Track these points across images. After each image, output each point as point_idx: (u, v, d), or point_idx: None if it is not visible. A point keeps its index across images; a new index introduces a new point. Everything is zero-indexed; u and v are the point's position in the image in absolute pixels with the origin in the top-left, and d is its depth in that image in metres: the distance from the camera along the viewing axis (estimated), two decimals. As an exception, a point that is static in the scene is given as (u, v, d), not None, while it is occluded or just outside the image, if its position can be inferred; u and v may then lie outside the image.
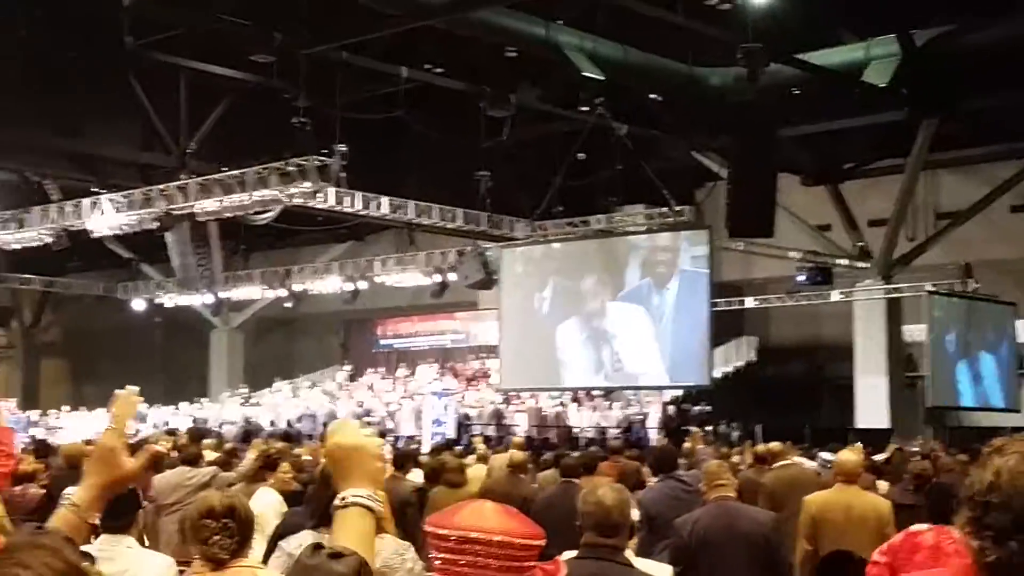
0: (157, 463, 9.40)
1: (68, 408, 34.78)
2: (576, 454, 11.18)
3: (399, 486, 8.36)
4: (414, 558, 4.30)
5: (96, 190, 25.77)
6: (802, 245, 27.16)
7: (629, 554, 4.34)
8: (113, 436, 2.27)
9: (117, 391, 2.40)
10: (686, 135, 26.05)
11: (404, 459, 10.13)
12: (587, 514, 4.02)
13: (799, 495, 8.32)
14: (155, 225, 23.97)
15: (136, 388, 2.45)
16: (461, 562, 2.20)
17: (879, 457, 11.61)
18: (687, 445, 12.69)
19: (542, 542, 2.27)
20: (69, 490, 2.26)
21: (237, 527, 3.66)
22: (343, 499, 2.06)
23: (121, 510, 4.83)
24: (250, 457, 9.59)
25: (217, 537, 3.62)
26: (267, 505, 7.74)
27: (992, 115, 24.33)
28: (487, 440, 19.32)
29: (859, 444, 11.92)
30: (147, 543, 5.21)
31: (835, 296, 28.00)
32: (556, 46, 20.35)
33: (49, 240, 25.70)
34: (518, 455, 10.20)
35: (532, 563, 2.28)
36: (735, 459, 12.16)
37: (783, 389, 29.79)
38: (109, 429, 2.30)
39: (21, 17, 20.51)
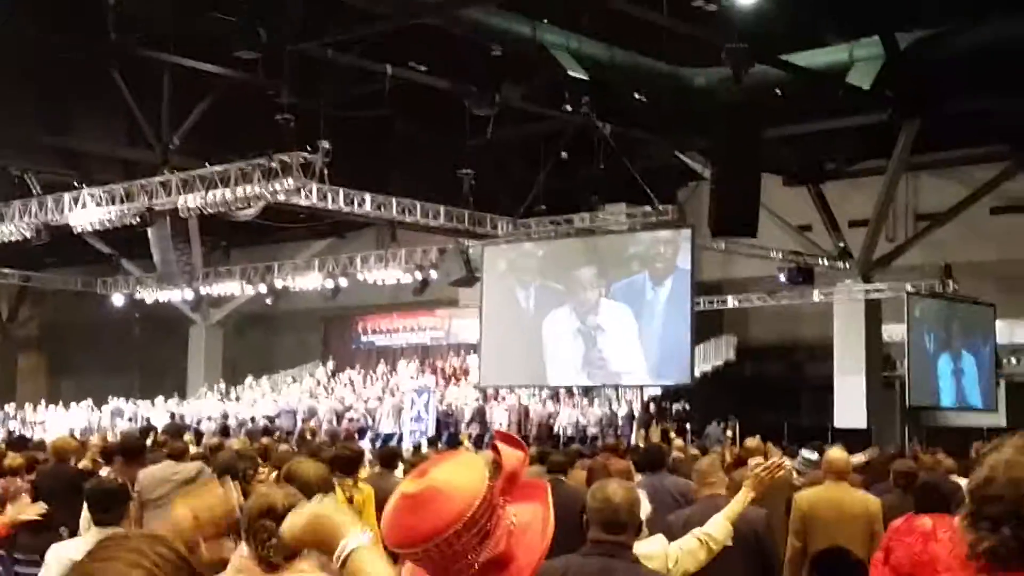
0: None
1: (45, 403, 34.63)
2: (563, 450, 11.23)
3: (386, 483, 8.36)
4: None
5: (78, 184, 25.64)
6: (783, 245, 27.27)
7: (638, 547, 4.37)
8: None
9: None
10: (670, 135, 26.12)
11: (391, 456, 10.16)
12: (595, 510, 3.99)
13: (772, 493, 8.38)
14: (136, 220, 23.85)
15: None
16: (428, 566, 2.14)
17: (856, 459, 11.63)
18: (675, 442, 12.75)
19: (473, 498, 2.11)
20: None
21: None
22: (338, 556, 2.01)
23: (111, 503, 4.83)
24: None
25: (275, 540, 3.43)
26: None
27: (973, 118, 24.50)
28: (473, 438, 19.33)
29: (838, 445, 11.95)
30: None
31: (815, 296, 28.17)
32: (541, 45, 20.39)
33: (29, 234, 25.53)
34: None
35: (486, 514, 2.13)
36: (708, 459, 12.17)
37: (762, 388, 29.91)
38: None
39: (5, 12, 20.40)
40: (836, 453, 7.89)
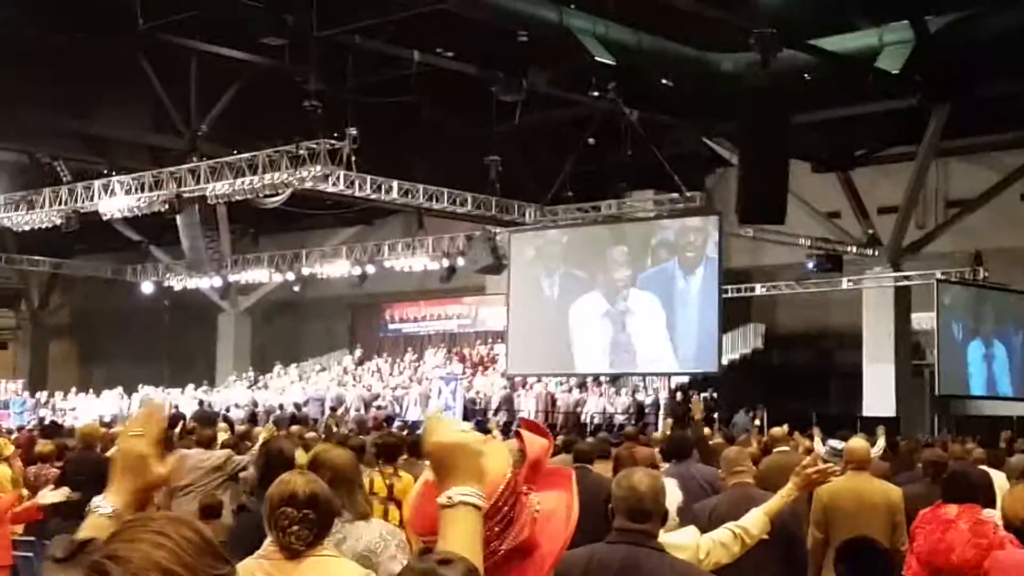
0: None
1: (75, 390, 34.87)
2: (589, 440, 11.20)
3: (416, 470, 8.36)
4: (400, 543, 4.25)
5: (107, 172, 25.79)
6: (811, 232, 27.10)
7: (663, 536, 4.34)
8: (142, 444, 2.24)
9: (149, 400, 2.40)
10: (697, 121, 25.99)
11: (418, 443, 10.16)
12: (620, 499, 3.98)
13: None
14: (165, 207, 23.98)
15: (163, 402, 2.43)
16: None
17: (876, 449, 11.55)
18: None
19: (494, 486, 2.08)
20: (97, 499, 2.22)
21: (317, 517, 3.48)
22: (449, 498, 1.97)
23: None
24: (260, 440, 9.59)
25: (296, 528, 3.45)
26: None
27: (1004, 103, 24.25)
28: (501, 426, 19.31)
29: (862, 434, 11.89)
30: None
31: (844, 284, 27.98)
32: (568, 30, 20.31)
33: (59, 222, 25.72)
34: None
35: (509, 502, 2.10)
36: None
37: (790, 377, 29.79)
38: (137, 436, 2.25)
39: (33, 2, 20.51)
40: (856, 443, 7.83)
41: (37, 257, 35.72)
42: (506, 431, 16.97)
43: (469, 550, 1.89)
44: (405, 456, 9.85)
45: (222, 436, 12.07)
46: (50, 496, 6.50)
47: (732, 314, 28.70)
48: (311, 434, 14.16)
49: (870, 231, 27.90)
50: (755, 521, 4.93)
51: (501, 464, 2.12)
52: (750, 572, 5.71)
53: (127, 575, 1.52)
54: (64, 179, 25.71)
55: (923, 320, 27.16)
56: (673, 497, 4.67)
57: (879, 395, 26.70)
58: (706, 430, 12.53)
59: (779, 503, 5.09)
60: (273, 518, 3.48)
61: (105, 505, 2.20)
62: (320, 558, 3.45)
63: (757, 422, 23.64)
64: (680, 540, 4.65)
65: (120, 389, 34.05)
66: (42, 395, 34.62)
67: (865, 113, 24.98)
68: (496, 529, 2.08)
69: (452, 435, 2.01)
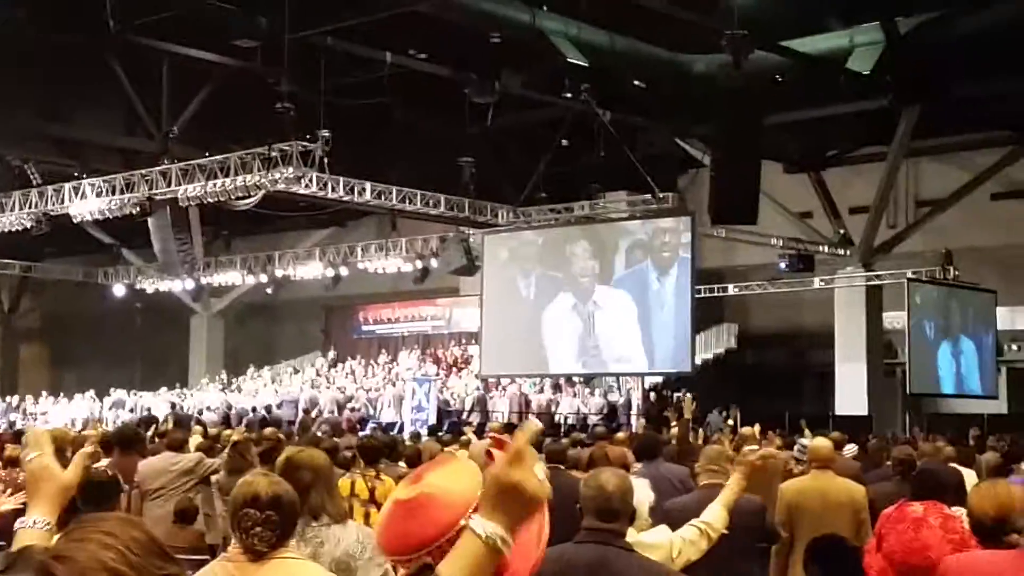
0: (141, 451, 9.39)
1: (46, 394, 34.65)
2: (564, 440, 11.20)
3: (393, 473, 8.36)
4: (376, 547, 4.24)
5: (78, 174, 25.64)
6: (784, 232, 27.22)
7: (631, 534, 4.36)
8: (43, 459, 2.40)
9: (28, 430, 2.59)
10: (670, 122, 26.07)
11: (392, 445, 10.15)
12: (588, 498, 4.00)
13: (762, 480, 8.36)
14: (136, 210, 23.86)
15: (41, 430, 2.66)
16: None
17: (850, 449, 11.57)
18: (673, 431, 12.72)
19: (467, 506, 2.05)
20: (24, 519, 2.33)
21: (280, 519, 3.48)
22: (488, 535, 1.90)
23: (102, 496, 4.83)
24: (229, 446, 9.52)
25: (259, 529, 3.45)
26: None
27: (974, 103, 24.45)
28: (468, 425, 19.31)
29: (835, 433, 11.92)
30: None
31: (816, 283, 28.13)
32: (541, 32, 20.31)
33: (29, 225, 25.57)
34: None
35: (453, 522, 2.06)
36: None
37: (764, 376, 29.93)
38: (36, 457, 2.41)
39: (3, 3, 20.36)
40: (819, 442, 7.86)
41: (7, 260, 35.46)
42: (479, 432, 16.97)
43: None
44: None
45: (197, 440, 12.03)
46: (5, 504, 6.44)
47: (705, 314, 28.80)
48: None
49: (841, 231, 28.06)
50: (716, 515, 5.02)
51: (470, 483, 2.11)
52: (720, 566, 5.76)
53: (73, 574, 1.54)
54: (34, 182, 25.54)
55: (895, 319, 27.32)
56: (644, 496, 4.69)
57: (851, 394, 26.84)
58: (675, 431, 12.61)
59: (732, 494, 5.17)
60: (236, 519, 3.48)
61: (40, 519, 2.32)
62: (283, 560, 3.44)
63: (731, 422, 23.73)
64: (653, 539, 4.68)
65: (92, 393, 33.85)
66: (12, 399, 34.36)
67: (837, 114, 25.11)
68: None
69: (523, 477, 1.91)
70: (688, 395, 14.04)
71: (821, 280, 28.01)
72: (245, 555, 3.46)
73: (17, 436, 13.33)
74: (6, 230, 26.28)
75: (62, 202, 24.90)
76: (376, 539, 2.14)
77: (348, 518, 4.57)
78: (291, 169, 21.43)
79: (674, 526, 5.89)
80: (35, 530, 2.28)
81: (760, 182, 18.18)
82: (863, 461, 10.88)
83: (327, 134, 21.16)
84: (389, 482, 7.48)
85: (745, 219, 18.86)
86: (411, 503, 2.09)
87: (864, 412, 25.83)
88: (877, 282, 27.30)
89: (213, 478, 8.89)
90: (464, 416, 27.17)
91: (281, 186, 22.28)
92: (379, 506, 7.15)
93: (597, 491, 3.98)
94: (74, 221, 25.36)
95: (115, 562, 1.56)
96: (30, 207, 25.33)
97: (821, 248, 27.41)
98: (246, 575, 3.42)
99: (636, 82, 23.54)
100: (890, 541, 4.71)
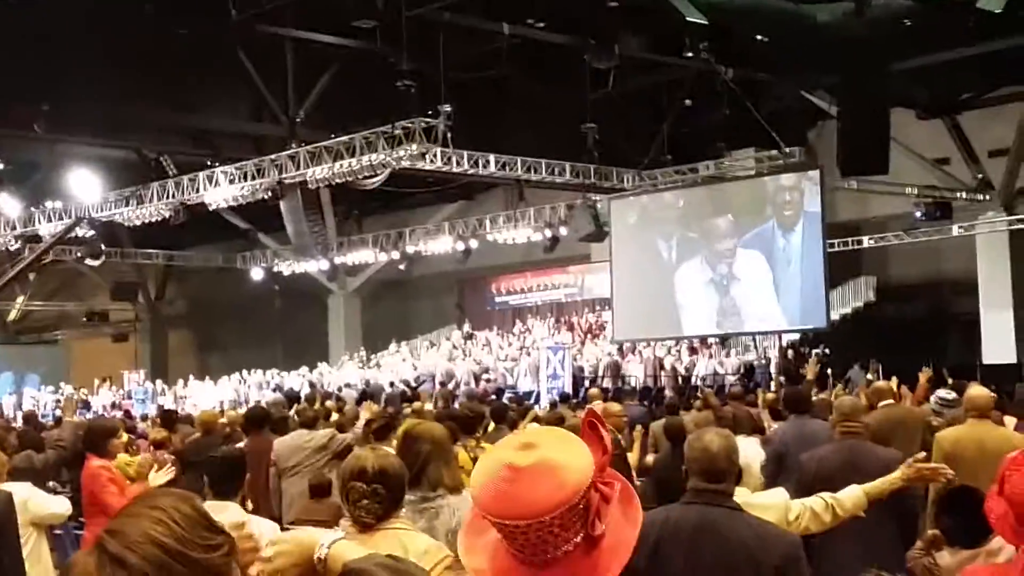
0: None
1: (193, 378, 35.75)
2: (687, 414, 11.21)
3: (501, 436, 8.43)
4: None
5: (211, 163, 26.29)
6: (920, 180, 26.52)
7: (744, 494, 4.32)
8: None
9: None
10: (795, 75, 25.52)
11: (503, 411, 10.31)
12: (693, 460, 4.00)
13: (902, 435, 8.19)
14: (268, 195, 24.37)
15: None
16: (522, 542, 2.06)
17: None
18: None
19: (583, 484, 2.06)
20: None
21: (387, 492, 3.58)
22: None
23: (229, 474, 4.96)
24: (363, 419, 9.71)
25: (366, 501, 3.56)
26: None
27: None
28: (604, 392, 19.28)
29: (977, 382, 11.60)
30: (250, 507, 5.28)
31: (955, 231, 27.34)
32: (658, -8, 20.08)
33: (168, 215, 26.29)
34: (613, 407, 10.18)
35: (580, 503, 2.06)
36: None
37: (905, 328, 29.19)
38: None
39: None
40: (977, 390, 7.66)
41: (151, 250, 36.66)
42: (610, 397, 17.01)
43: None
44: (492, 426, 9.95)
45: (335, 416, 12.28)
46: (159, 477, 6.70)
47: (841, 268, 28.23)
48: (428, 406, 14.33)
49: (980, 175, 27.20)
50: (852, 496, 4.84)
51: (586, 457, 2.11)
52: (863, 544, 5.67)
53: (121, 547, 1.65)
54: (170, 172, 26.27)
55: (1041, 263, 26.45)
56: (753, 455, 4.64)
57: (999, 342, 26.12)
58: (814, 390, 12.47)
59: (881, 487, 4.94)
60: (345, 492, 3.59)
61: None
62: (390, 531, 3.51)
63: (870, 376, 23.24)
64: (766, 500, 4.63)
65: (236, 375, 34.79)
66: (161, 384, 35.54)
67: (969, 55, 24.26)
68: (577, 521, 2.06)
69: None
70: (814, 354, 13.90)
71: (960, 227, 27.22)
72: (354, 526, 3.56)
73: (165, 420, 13.79)
74: (147, 221, 27.07)
75: (197, 191, 25.55)
76: (481, 499, 2.12)
77: (464, 488, 4.60)
78: (415, 146, 21.62)
79: (809, 477, 5.80)
80: None
81: (890, 130, 17.73)
82: (1012, 410, 10.56)
83: (449, 109, 21.27)
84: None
85: (875, 169, 18.44)
86: (531, 470, 2.06)
87: (1013, 360, 25.07)
88: (1020, 226, 26.42)
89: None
90: (599, 382, 27.13)
91: (406, 163, 22.51)
92: None
93: (702, 452, 3.97)
94: (210, 209, 26.02)
95: (160, 535, 1.67)
96: (168, 198, 26.04)
97: (959, 194, 26.63)
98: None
99: (758, 37, 23.10)
100: (1012, 483, 4.58)
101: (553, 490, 2.05)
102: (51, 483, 9.62)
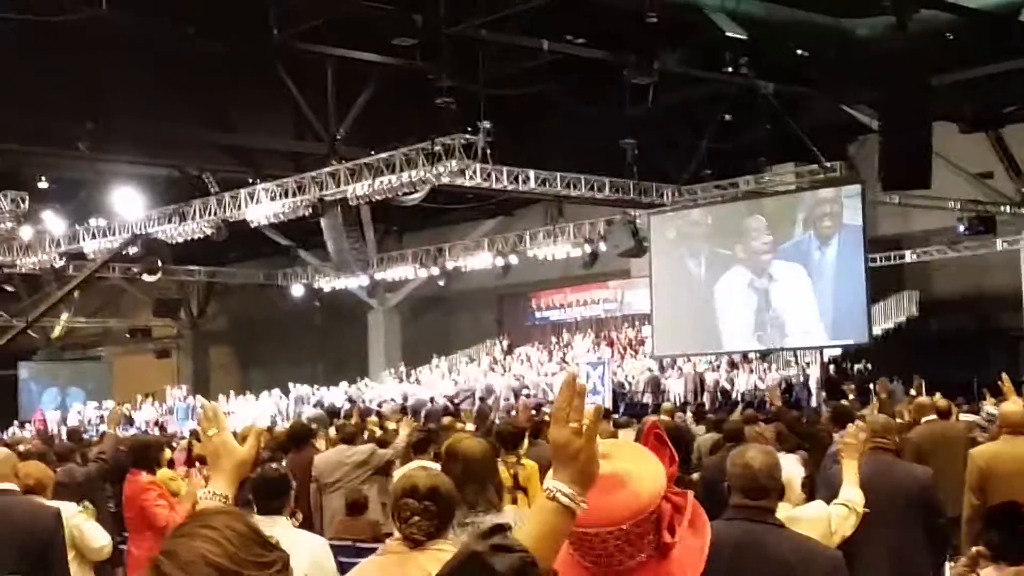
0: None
1: (234, 393, 35.94)
2: (733, 417, 11.12)
3: (542, 452, 8.39)
4: None
5: (252, 180, 26.49)
6: (962, 194, 26.31)
7: (786, 508, 4.32)
8: (219, 435, 2.57)
9: (201, 406, 2.67)
10: (835, 89, 25.39)
11: (541, 426, 10.31)
12: (735, 476, 4.00)
13: (945, 451, 8.16)
14: (308, 212, 24.53)
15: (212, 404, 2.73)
16: (594, 552, 2.13)
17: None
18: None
19: (657, 494, 2.13)
20: (205, 490, 2.52)
21: (438, 509, 3.62)
22: (549, 489, 1.98)
23: (274, 492, 5.00)
24: (403, 435, 9.73)
25: (416, 518, 3.60)
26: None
27: None
28: (643, 407, 19.24)
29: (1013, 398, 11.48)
30: (297, 523, 5.31)
31: (999, 245, 27.09)
32: (697, 7, 20.08)
33: (210, 232, 26.50)
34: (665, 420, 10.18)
35: (653, 513, 2.13)
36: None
37: (948, 343, 28.91)
38: (215, 434, 2.57)
39: (170, 17, 21.13)
40: (1010, 407, 7.61)
41: (193, 267, 36.94)
42: (651, 411, 16.96)
43: (539, 544, 1.88)
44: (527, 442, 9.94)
45: (377, 432, 12.31)
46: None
47: (884, 282, 28.05)
48: (470, 426, 14.30)
49: (1023, 189, 26.97)
50: (854, 494, 5.01)
51: (658, 468, 2.19)
52: (888, 541, 5.68)
53: (176, 568, 1.68)
54: (212, 190, 26.48)
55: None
56: (795, 471, 4.65)
57: (1044, 358, 25.82)
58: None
59: (852, 473, 5.17)
60: (396, 509, 3.64)
61: (220, 492, 2.50)
62: (440, 551, 3.54)
63: (913, 391, 23.04)
64: (809, 514, 4.66)
65: (277, 391, 34.95)
66: (202, 400, 35.70)
67: (1012, 69, 24.06)
68: (651, 530, 2.13)
69: (568, 439, 1.98)
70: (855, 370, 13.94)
71: (1004, 241, 26.97)
72: (405, 543, 3.60)
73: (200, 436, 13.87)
74: (190, 238, 27.31)
75: (239, 208, 25.75)
76: None
77: (501, 507, 4.62)
78: (455, 162, 21.71)
79: (835, 489, 5.84)
80: (214, 502, 2.46)
81: (932, 145, 17.61)
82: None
83: (488, 125, 21.34)
84: (531, 465, 7.52)
85: (917, 184, 18.32)
86: (608, 480, 2.12)
87: (1058, 376, 24.75)
88: (1065, 240, 26.18)
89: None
90: (639, 398, 27.07)
91: (446, 179, 22.59)
92: (524, 491, 7.20)
93: (743, 468, 3.98)
94: (251, 226, 26.21)
95: (214, 555, 1.69)
96: (210, 214, 26.25)
97: (1003, 208, 26.39)
98: (406, 563, 3.56)
99: (798, 51, 23.03)
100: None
101: (630, 499, 2.13)
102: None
